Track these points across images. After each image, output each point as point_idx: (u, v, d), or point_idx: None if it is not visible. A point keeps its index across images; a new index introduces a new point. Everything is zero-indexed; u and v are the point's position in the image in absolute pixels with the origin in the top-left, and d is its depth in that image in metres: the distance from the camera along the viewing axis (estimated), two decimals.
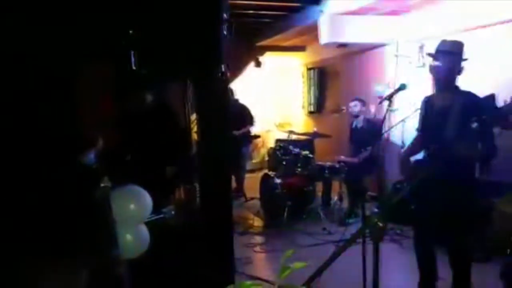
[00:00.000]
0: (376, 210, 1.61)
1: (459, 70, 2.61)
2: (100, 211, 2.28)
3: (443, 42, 2.67)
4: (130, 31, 2.81)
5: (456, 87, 2.65)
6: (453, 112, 2.54)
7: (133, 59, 2.86)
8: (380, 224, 1.54)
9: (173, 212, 2.82)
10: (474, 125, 2.19)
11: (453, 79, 2.61)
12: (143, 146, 3.24)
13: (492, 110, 2.40)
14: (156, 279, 2.58)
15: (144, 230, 2.46)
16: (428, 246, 2.82)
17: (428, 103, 2.82)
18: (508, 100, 2.58)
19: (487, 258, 3.48)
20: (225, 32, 2.68)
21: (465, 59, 2.62)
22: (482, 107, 2.46)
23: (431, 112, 2.78)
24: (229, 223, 2.88)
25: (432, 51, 2.72)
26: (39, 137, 2.86)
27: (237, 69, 7.58)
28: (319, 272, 1.55)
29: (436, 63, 2.61)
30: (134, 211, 2.39)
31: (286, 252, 1.24)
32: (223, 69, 2.60)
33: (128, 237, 2.36)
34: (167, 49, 2.72)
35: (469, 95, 2.59)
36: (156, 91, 3.45)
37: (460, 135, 2.40)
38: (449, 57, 2.58)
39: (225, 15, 2.70)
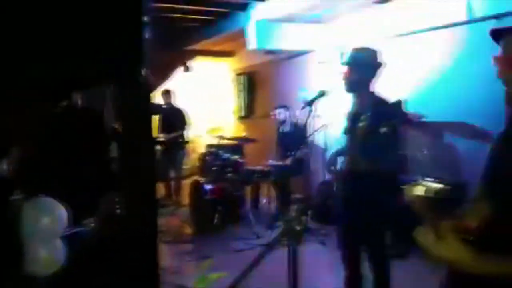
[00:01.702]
0: (293, 213, 1.65)
1: (369, 77, 2.69)
2: (8, 225, 2.11)
3: (353, 50, 2.77)
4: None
5: (369, 93, 2.73)
6: (362, 116, 2.61)
7: (49, 63, 2.69)
8: (298, 228, 1.58)
9: (92, 224, 2.68)
10: (383, 130, 2.31)
11: (361, 85, 2.69)
12: (60, 154, 3.05)
13: (398, 115, 2.52)
14: None
15: (59, 245, 2.31)
16: (350, 245, 2.93)
17: (348, 114, 2.93)
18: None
19: (405, 253, 3.71)
20: (146, 36, 2.61)
21: (378, 65, 2.71)
22: (389, 112, 2.60)
23: (349, 117, 2.92)
24: (153, 232, 2.80)
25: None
26: None
27: (165, 74, 7.44)
28: (238, 281, 1.55)
29: (345, 70, 2.70)
30: (48, 225, 2.23)
31: (204, 263, 1.23)
32: (144, 73, 2.53)
33: (42, 252, 2.20)
34: (85, 51, 2.59)
35: (378, 100, 2.68)
36: (74, 97, 3.28)
37: (369, 141, 2.50)
38: (357, 65, 2.66)
39: (146, 18, 2.63)
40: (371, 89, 2.74)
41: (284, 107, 5.36)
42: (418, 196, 3.64)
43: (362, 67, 2.66)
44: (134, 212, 2.76)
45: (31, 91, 3.00)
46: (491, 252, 1.31)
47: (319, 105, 3.01)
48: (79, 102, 3.48)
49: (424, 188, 3.70)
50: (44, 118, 3.24)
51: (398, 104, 2.41)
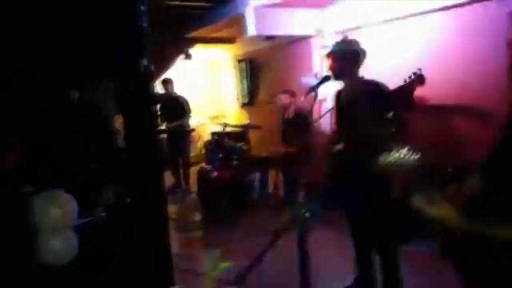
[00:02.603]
0: (301, 200, 1.66)
1: (350, 64, 2.81)
2: (19, 218, 2.14)
3: (334, 43, 2.98)
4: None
5: (355, 77, 2.83)
6: (351, 101, 2.74)
7: (50, 55, 2.69)
8: (307, 215, 1.59)
9: (103, 214, 2.71)
10: (387, 114, 2.36)
11: (346, 73, 2.82)
12: (66, 146, 3.07)
13: (385, 97, 2.62)
14: (90, 284, 2.48)
15: (72, 235, 2.35)
16: (360, 236, 2.95)
17: (336, 96, 3.02)
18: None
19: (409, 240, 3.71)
20: (145, 24, 2.60)
21: (358, 54, 2.82)
22: (377, 94, 2.65)
23: (338, 105, 2.98)
24: (163, 220, 2.83)
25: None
26: None
27: (165, 62, 7.40)
28: (249, 269, 1.57)
29: (328, 62, 2.89)
30: (59, 216, 2.27)
31: (214, 253, 1.24)
32: (145, 63, 2.53)
33: (55, 243, 2.24)
34: (86, 45, 2.58)
35: (367, 83, 2.77)
36: (76, 89, 3.28)
37: (358, 124, 2.57)
38: (337, 56, 2.84)
39: (143, 7, 2.62)
40: (356, 75, 2.84)
41: (289, 92, 5.34)
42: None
43: (342, 57, 2.81)
44: (141, 201, 2.79)
45: (35, 84, 3.02)
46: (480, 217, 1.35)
47: (324, 89, 3.03)
48: (78, 95, 3.49)
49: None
50: (47, 111, 3.25)
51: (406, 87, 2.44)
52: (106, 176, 2.86)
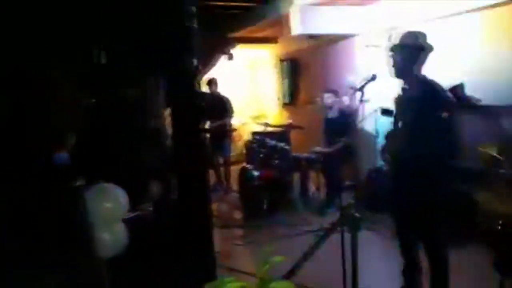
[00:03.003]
0: (351, 200, 1.63)
1: (416, 60, 2.62)
2: (73, 210, 2.23)
3: (399, 34, 2.71)
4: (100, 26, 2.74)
5: (417, 77, 2.66)
6: (410, 102, 2.60)
7: (102, 54, 2.79)
8: (357, 215, 1.56)
9: (150, 209, 2.78)
10: (441, 115, 2.26)
11: (409, 70, 2.63)
12: (116, 143, 3.17)
13: (450, 101, 2.45)
14: (137, 276, 2.55)
15: (122, 228, 2.42)
16: (404, 234, 2.87)
17: (396, 99, 2.89)
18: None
19: (466, 243, 3.57)
20: (195, 25, 2.65)
21: (427, 48, 2.63)
22: (441, 97, 2.53)
23: (397, 102, 2.85)
24: (207, 217, 2.87)
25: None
26: (9, 138, 2.76)
27: (208, 62, 7.51)
28: (298, 265, 1.56)
29: (391, 54, 2.66)
30: (110, 209, 2.34)
31: (266, 248, 1.24)
32: (195, 63, 2.57)
33: (106, 235, 2.32)
34: (138, 43, 2.66)
35: (429, 85, 2.61)
36: (127, 86, 3.39)
37: (419, 126, 2.46)
38: (402, 49, 2.62)
39: (194, 8, 2.67)
40: (419, 74, 2.67)
41: (332, 92, 5.26)
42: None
43: (408, 50, 2.61)
44: (187, 197, 2.84)
45: (85, 81, 3.14)
46: None
47: (368, 90, 2.95)
48: (131, 92, 3.60)
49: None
50: (98, 107, 3.38)
51: (458, 88, 2.33)
52: (154, 172, 2.92)
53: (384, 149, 3.01)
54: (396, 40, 2.69)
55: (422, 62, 2.65)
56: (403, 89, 2.76)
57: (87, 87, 3.16)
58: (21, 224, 2.47)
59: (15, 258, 2.31)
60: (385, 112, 2.73)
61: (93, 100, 3.32)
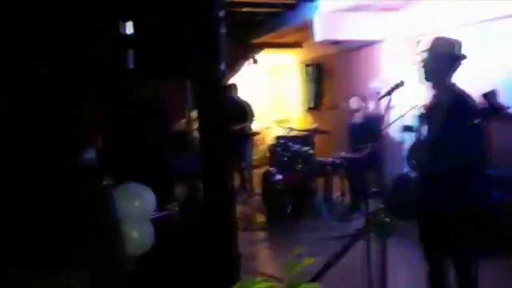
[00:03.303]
0: (381, 205, 1.62)
1: (449, 68, 2.59)
2: (103, 209, 2.28)
3: (434, 39, 2.68)
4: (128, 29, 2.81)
5: (447, 85, 2.63)
6: (439, 110, 2.57)
7: (131, 57, 2.86)
8: (387, 220, 1.55)
9: (176, 209, 2.82)
10: (470, 123, 2.22)
11: (441, 77, 2.61)
12: (144, 144, 3.24)
13: (480, 109, 2.41)
14: (161, 276, 2.59)
15: (149, 227, 2.46)
16: (430, 243, 2.82)
17: (427, 100, 2.86)
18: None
19: (494, 254, 3.48)
20: (222, 30, 2.69)
21: (460, 57, 2.61)
22: (471, 105, 2.48)
23: (426, 109, 2.82)
24: (232, 218, 2.88)
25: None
26: (39, 137, 2.85)
27: (233, 67, 7.57)
28: (326, 267, 1.55)
29: (423, 61, 2.63)
30: (138, 208, 2.39)
31: (295, 249, 1.24)
32: (222, 67, 2.61)
33: (134, 234, 2.36)
34: (166, 46, 2.72)
35: (459, 93, 2.58)
36: (155, 89, 3.46)
37: (448, 134, 2.42)
38: (436, 56, 2.59)
39: (221, 13, 2.71)
40: (450, 81, 2.63)
41: (359, 96, 5.23)
42: None
43: (442, 57, 2.58)
44: (213, 199, 2.87)
45: (113, 83, 3.22)
46: None
47: (394, 96, 2.92)
48: (159, 95, 3.67)
49: None
50: (126, 109, 3.46)
51: (491, 95, 2.29)
52: (180, 173, 2.97)
53: (410, 156, 2.98)
54: (429, 46, 2.65)
55: (454, 70, 2.62)
56: (433, 96, 2.73)
57: (115, 88, 3.24)
58: (50, 221, 2.54)
59: (44, 253, 2.39)
60: (407, 128, 2.70)
61: (121, 102, 3.41)
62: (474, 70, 4.20)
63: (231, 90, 6.41)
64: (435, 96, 2.70)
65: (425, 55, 2.65)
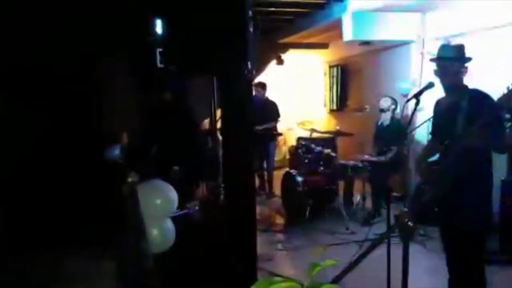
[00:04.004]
0: (405, 209, 1.60)
1: (460, 71, 2.65)
2: (128, 205, 2.32)
3: (441, 47, 2.77)
4: (157, 29, 2.85)
5: (463, 87, 2.67)
6: (459, 112, 2.56)
7: (159, 57, 2.90)
8: (410, 224, 1.52)
9: (197, 208, 2.85)
10: (482, 122, 2.20)
11: (456, 81, 2.66)
12: (166, 141, 3.28)
13: (494, 108, 2.39)
14: (181, 273, 2.62)
15: (170, 225, 2.49)
16: (448, 247, 2.76)
17: (438, 105, 2.87)
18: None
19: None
20: (251, 30, 2.69)
21: (468, 60, 2.67)
22: (488, 104, 2.45)
23: (441, 114, 2.81)
24: (252, 219, 2.89)
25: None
26: (67, 134, 2.93)
27: (259, 67, 7.57)
28: (347, 271, 1.54)
29: (436, 67, 2.70)
30: (160, 206, 2.42)
31: (318, 250, 1.23)
32: (249, 67, 2.61)
33: (155, 231, 2.39)
34: (194, 46, 2.74)
35: (475, 93, 2.61)
36: (182, 88, 3.49)
37: (467, 134, 2.41)
38: (447, 61, 2.66)
39: (250, 12, 2.71)
40: (463, 83, 2.67)
41: (391, 97, 5.14)
42: None
43: (451, 62, 2.64)
44: (233, 199, 2.88)
45: (140, 82, 3.26)
46: None
47: (422, 98, 2.88)
48: (185, 95, 3.70)
49: None
50: (149, 108, 3.50)
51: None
52: (203, 173, 2.99)
53: (419, 165, 2.94)
54: (438, 51, 2.74)
55: (464, 73, 2.66)
56: (447, 100, 2.74)
57: (142, 88, 3.29)
58: (76, 216, 2.61)
59: (72, 245, 2.45)
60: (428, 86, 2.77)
61: (148, 101, 3.46)
62: (500, 71, 4.11)
63: (260, 89, 6.38)
64: (450, 100, 2.71)
65: (436, 60, 2.71)
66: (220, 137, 3.11)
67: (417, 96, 2.72)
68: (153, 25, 2.86)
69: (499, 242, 3.69)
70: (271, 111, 6.26)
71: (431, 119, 2.96)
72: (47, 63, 2.80)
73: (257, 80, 6.82)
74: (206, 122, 3.79)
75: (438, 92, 2.96)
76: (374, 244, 1.62)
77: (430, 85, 2.76)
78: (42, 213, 2.52)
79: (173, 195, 2.49)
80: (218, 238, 2.81)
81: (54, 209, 2.55)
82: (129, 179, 2.55)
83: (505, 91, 2.31)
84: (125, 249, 2.22)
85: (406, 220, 1.53)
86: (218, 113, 3.21)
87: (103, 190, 2.61)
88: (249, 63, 2.58)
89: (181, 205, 2.76)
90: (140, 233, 2.24)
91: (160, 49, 2.88)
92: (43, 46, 2.73)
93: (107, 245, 2.31)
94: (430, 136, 3.02)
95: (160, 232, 2.42)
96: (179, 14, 2.80)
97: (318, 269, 1.21)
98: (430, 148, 2.98)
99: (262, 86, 6.41)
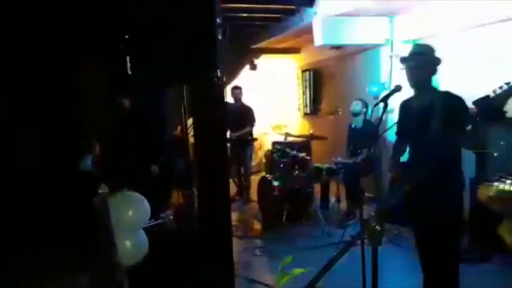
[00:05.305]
0: (373, 213, 1.63)
1: (431, 72, 2.68)
2: (98, 217, 2.27)
3: (413, 46, 2.79)
4: (126, 36, 2.81)
5: (432, 88, 2.71)
6: (429, 113, 2.59)
7: (128, 64, 2.86)
8: (378, 228, 1.54)
9: (171, 217, 2.81)
10: (461, 126, 2.25)
11: (425, 81, 2.68)
12: (137, 151, 3.23)
13: (465, 110, 2.44)
14: (156, 284, 2.57)
15: (142, 236, 2.45)
16: (422, 247, 2.81)
17: (406, 106, 2.89)
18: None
19: (485, 258, 3.48)
20: (219, 36, 2.69)
21: (438, 61, 2.69)
22: (457, 107, 2.50)
23: (410, 115, 2.83)
24: (227, 227, 2.87)
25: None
26: (38, 143, 2.84)
27: (232, 72, 7.58)
28: (318, 277, 1.54)
29: (405, 67, 2.72)
30: (132, 217, 2.37)
31: (285, 259, 1.23)
32: (219, 73, 2.60)
33: (127, 243, 2.35)
34: (163, 54, 2.72)
35: (446, 95, 2.64)
36: (150, 96, 3.45)
37: (439, 135, 2.45)
38: (417, 61, 2.67)
39: (218, 19, 2.71)
40: (432, 85, 2.71)
41: (362, 100, 5.22)
42: (491, 197, 3.45)
43: (421, 63, 2.66)
44: (208, 207, 2.85)
45: (109, 90, 3.21)
46: None
47: (392, 100, 2.93)
48: (154, 103, 3.66)
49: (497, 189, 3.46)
50: (122, 116, 3.45)
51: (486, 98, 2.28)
52: (175, 181, 2.95)
53: (393, 164, 2.99)
54: (407, 52, 2.75)
55: (434, 74, 2.69)
56: (416, 101, 2.77)
57: (111, 96, 3.24)
58: (44, 226, 2.52)
59: (41, 259, 2.37)
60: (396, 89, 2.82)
61: (118, 110, 3.40)
62: (469, 72, 4.24)
63: (235, 93, 6.36)
64: (419, 101, 2.73)
65: (405, 62, 2.72)
66: (192, 144, 3.08)
67: (385, 99, 2.76)
68: (122, 33, 2.82)
69: (469, 240, 3.79)
70: (246, 117, 6.25)
71: (398, 119, 3.00)
72: (16, 70, 2.71)
73: (230, 85, 6.82)
74: (178, 130, 3.76)
75: (407, 94, 3.03)
76: (343, 250, 1.63)
77: (398, 88, 2.80)
78: (8, 227, 2.42)
79: (145, 206, 2.45)
80: (192, 247, 2.78)
81: (20, 222, 2.46)
82: (100, 190, 2.50)
83: (505, 87, 2.30)
84: (97, 261, 2.16)
85: (374, 224, 1.55)
86: (190, 121, 3.18)
87: (74, 201, 2.55)
88: (218, 69, 2.57)
89: (154, 215, 2.71)
90: (111, 246, 2.19)
91: (130, 57, 2.84)
92: (12, 52, 2.64)
93: (79, 258, 2.24)
94: (396, 137, 3.07)
95: (133, 243, 2.37)
96: (148, 21, 2.77)
97: (286, 279, 1.21)
98: (397, 149, 3.02)
99: (237, 89, 6.40)
